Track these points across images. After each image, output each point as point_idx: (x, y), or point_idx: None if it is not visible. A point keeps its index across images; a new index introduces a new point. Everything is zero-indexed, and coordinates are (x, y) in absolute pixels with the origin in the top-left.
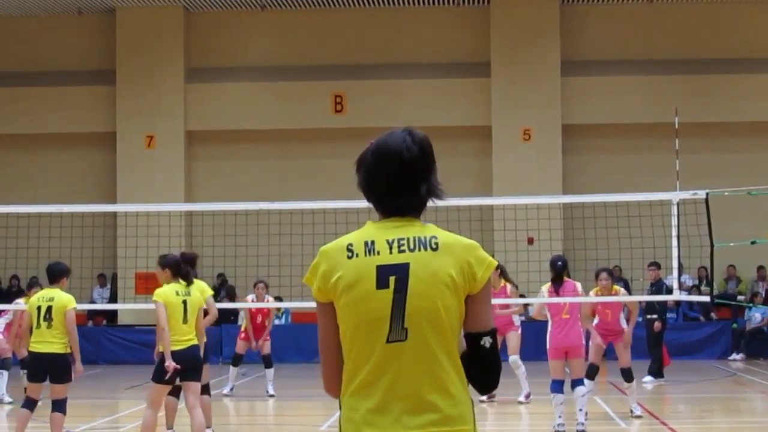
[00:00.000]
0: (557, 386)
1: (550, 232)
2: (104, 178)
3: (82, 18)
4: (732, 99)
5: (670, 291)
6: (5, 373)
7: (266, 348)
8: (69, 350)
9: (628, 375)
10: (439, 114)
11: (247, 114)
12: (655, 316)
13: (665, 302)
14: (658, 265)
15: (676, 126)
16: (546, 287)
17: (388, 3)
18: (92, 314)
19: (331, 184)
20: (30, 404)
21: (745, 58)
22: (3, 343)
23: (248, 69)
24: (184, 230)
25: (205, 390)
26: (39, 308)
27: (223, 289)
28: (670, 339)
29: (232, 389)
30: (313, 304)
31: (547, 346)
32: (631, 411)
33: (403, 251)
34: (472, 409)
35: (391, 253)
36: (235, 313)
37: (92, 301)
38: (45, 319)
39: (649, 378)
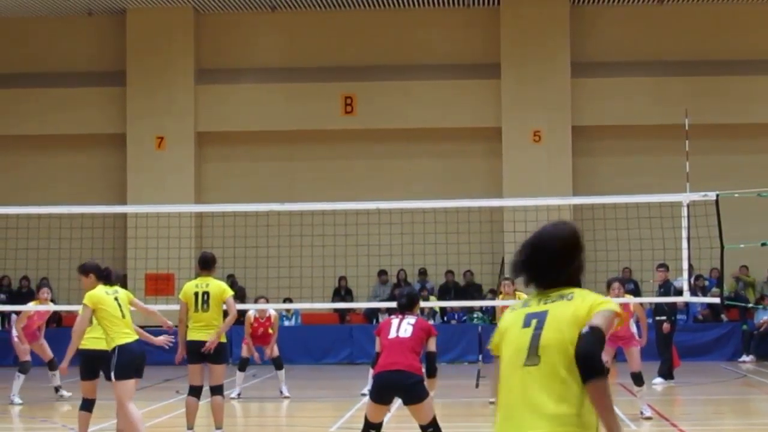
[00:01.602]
0: None
1: None
2: (114, 179)
3: (93, 19)
4: (742, 100)
5: (678, 292)
6: (22, 376)
7: (274, 352)
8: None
9: (638, 379)
10: (448, 115)
11: (257, 115)
12: (664, 317)
13: (674, 303)
14: (666, 267)
15: (686, 127)
16: None
17: (398, 4)
18: None
19: (341, 185)
20: (87, 405)
21: (756, 60)
22: (20, 346)
23: (258, 70)
24: (194, 231)
25: (219, 390)
26: (196, 294)
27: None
28: (680, 340)
29: (239, 395)
30: (321, 305)
31: None
32: (641, 412)
33: (546, 303)
34: (592, 419)
35: (537, 305)
36: (243, 314)
37: None
38: (202, 308)
39: (659, 380)
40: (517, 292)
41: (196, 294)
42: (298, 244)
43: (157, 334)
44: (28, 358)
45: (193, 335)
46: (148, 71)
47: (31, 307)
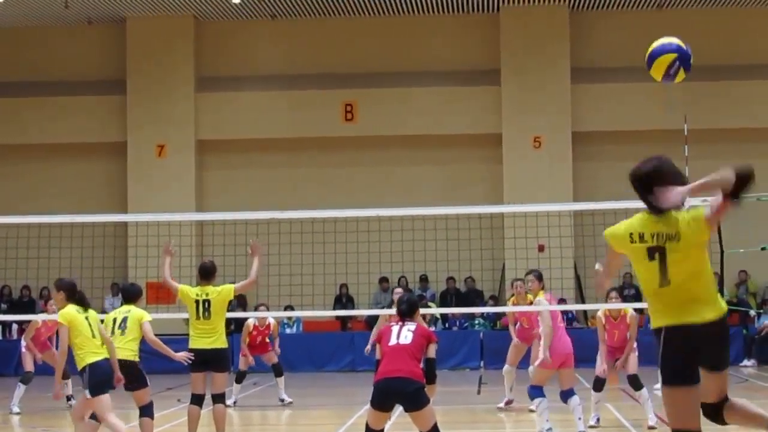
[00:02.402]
0: (540, 391)
1: (560, 240)
2: (115, 187)
3: (93, 28)
4: (742, 105)
5: None
6: (23, 386)
7: (273, 358)
8: (138, 357)
9: (635, 382)
10: (449, 122)
11: (257, 123)
12: None
13: None
14: None
15: (686, 132)
16: (542, 296)
17: (399, 11)
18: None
19: (342, 192)
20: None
21: (755, 64)
22: (26, 357)
23: (259, 78)
24: (195, 240)
25: (221, 399)
26: (114, 319)
27: (234, 298)
28: None
29: (235, 402)
30: (323, 313)
31: (543, 355)
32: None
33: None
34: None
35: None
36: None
37: (103, 311)
38: (119, 327)
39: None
40: (528, 294)
41: (197, 302)
42: (299, 252)
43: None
44: (31, 369)
45: (195, 343)
46: (148, 79)
47: (36, 317)
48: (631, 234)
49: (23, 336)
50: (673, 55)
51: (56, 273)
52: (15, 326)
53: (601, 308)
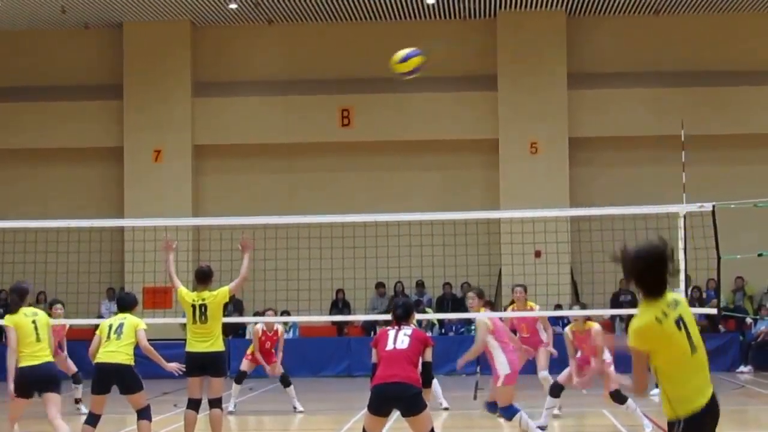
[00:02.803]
0: (515, 409)
1: (557, 245)
2: (112, 192)
3: (90, 32)
4: (739, 111)
5: None
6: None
7: (278, 370)
8: (133, 361)
9: (618, 397)
10: (446, 127)
11: (254, 128)
12: None
13: None
14: None
15: (683, 138)
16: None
17: (395, 17)
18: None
19: (339, 197)
20: (92, 419)
21: (752, 71)
22: None
23: (255, 83)
24: (192, 245)
25: (217, 403)
26: (110, 325)
27: (231, 303)
28: None
29: (235, 406)
30: (319, 318)
31: (503, 372)
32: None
33: (675, 308)
34: None
35: (674, 310)
36: (243, 327)
37: (100, 315)
38: (115, 333)
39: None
40: (528, 302)
41: (194, 306)
42: (295, 257)
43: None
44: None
45: (192, 347)
46: (145, 84)
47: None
48: (656, 317)
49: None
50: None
51: (53, 278)
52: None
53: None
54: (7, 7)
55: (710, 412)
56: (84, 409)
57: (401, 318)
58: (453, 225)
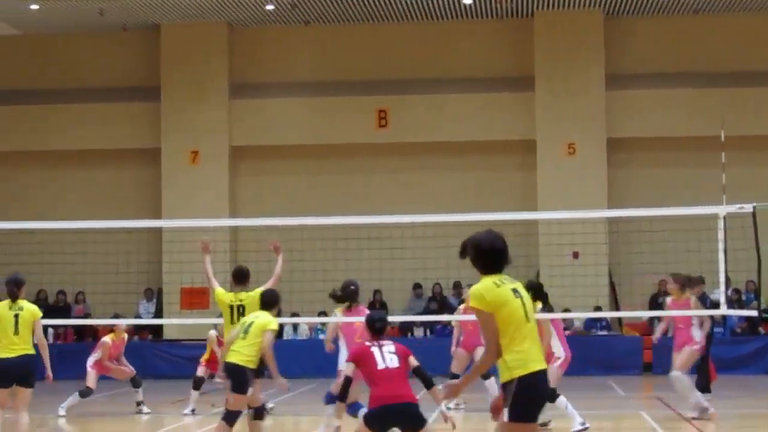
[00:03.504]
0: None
1: (595, 247)
2: (149, 193)
3: (127, 35)
4: None
5: (715, 305)
6: (78, 397)
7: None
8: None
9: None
10: (482, 128)
11: (291, 129)
12: None
13: (710, 317)
14: (701, 280)
15: (722, 139)
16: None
17: (432, 18)
18: (138, 329)
19: (376, 198)
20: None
21: None
22: (91, 375)
23: (293, 84)
24: (229, 245)
25: (260, 414)
26: (243, 322)
27: None
28: (717, 354)
29: (272, 408)
30: (356, 319)
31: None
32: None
33: (512, 282)
34: None
35: (511, 282)
36: (281, 327)
37: (138, 316)
38: (244, 332)
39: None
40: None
41: (231, 308)
42: (332, 258)
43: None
44: (93, 386)
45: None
46: (182, 86)
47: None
48: (494, 282)
49: (94, 355)
50: None
51: (91, 278)
52: (51, 330)
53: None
54: (46, 10)
55: (544, 381)
56: (146, 409)
57: (381, 331)
58: (490, 226)
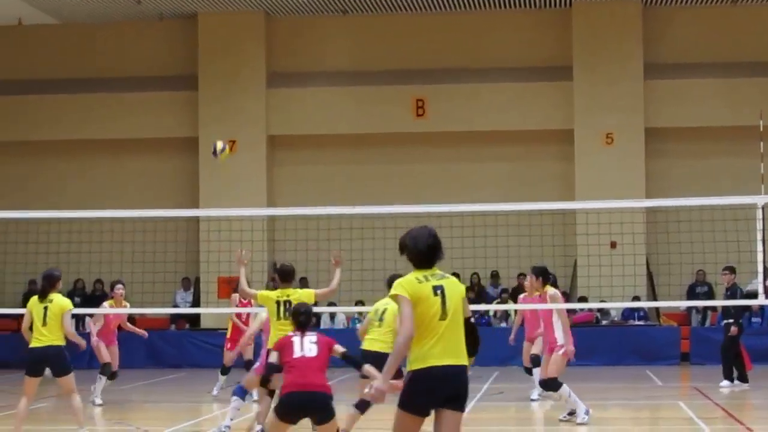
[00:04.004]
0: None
1: (633, 236)
2: (187, 182)
3: (164, 24)
4: None
5: (753, 295)
6: (104, 378)
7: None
8: None
9: (549, 385)
10: (520, 118)
11: (329, 118)
12: (731, 320)
13: (741, 306)
14: (732, 270)
15: (761, 129)
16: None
17: (469, 6)
18: (175, 318)
19: (413, 188)
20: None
21: None
22: (99, 349)
23: (330, 73)
24: (266, 234)
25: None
26: (377, 311)
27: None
28: (754, 344)
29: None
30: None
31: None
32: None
33: (439, 279)
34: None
35: (436, 280)
36: (318, 317)
37: (175, 305)
38: (379, 319)
39: (725, 383)
40: (548, 286)
41: (278, 303)
42: (370, 247)
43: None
44: (108, 360)
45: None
46: (219, 75)
47: (106, 310)
48: (416, 278)
49: (91, 326)
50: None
51: (129, 267)
52: (88, 319)
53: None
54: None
55: (439, 376)
56: (98, 401)
57: (304, 324)
58: (528, 216)
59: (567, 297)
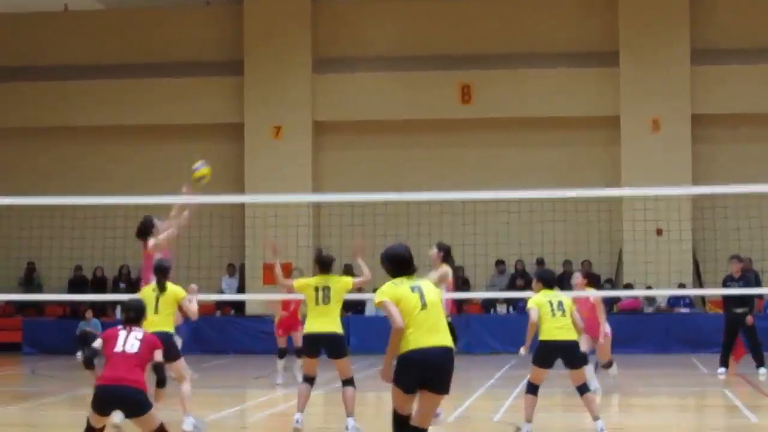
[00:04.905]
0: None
1: (679, 223)
2: (232, 168)
3: (210, 9)
4: None
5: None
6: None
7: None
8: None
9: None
10: (565, 104)
11: (374, 104)
12: (746, 309)
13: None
14: (739, 258)
15: None
16: None
17: None
18: (220, 304)
19: (457, 174)
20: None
21: None
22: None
23: (375, 59)
24: (312, 220)
25: (350, 382)
26: (550, 302)
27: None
28: None
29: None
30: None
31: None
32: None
33: (416, 281)
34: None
35: (412, 282)
36: (362, 303)
37: (220, 291)
38: (558, 309)
39: (763, 370)
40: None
41: (317, 289)
42: (415, 233)
43: None
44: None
45: (310, 327)
46: (265, 60)
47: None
48: (393, 282)
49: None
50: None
51: (175, 253)
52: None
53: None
54: None
55: (419, 358)
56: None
57: (133, 320)
58: (574, 203)
59: (612, 284)
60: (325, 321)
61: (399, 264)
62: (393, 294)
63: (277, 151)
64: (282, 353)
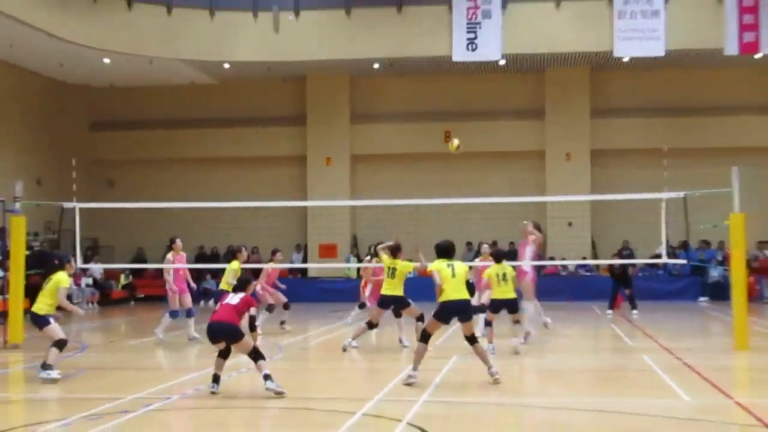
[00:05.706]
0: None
1: (582, 219)
2: (299, 185)
3: (286, 83)
4: None
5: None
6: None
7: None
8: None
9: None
10: (511, 143)
11: (390, 143)
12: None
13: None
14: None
15: (665, 150)
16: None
17: (478, 71)
18: (291, 270)
19: (445, 188)
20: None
21: None
22: (175, 300)
23: (391, 114)
24: (350, 217)
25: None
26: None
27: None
28: (660, 287)
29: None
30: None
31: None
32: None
33: (452, 260)
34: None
35: (451, 261)
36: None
37: (292, 262)
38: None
39: (635, 312)
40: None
41: (389, 268)
42: (415, 228)
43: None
44: (177, 306)
45: (384, 291)
46: (320, 116)
47: (270, 265)
48: (439, 261)
49: (168, 277)
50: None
51: (264, 239)
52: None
53: None
54: (234, 68)
55: (454, 306)
56: (288, 328)
57: (237, 288)
58: (517, 205)
59: (541, 257)
60: (391, 289)
61: (442, 250)
62: (437, 267)
63: (328, 174)
64: (363, 305)
